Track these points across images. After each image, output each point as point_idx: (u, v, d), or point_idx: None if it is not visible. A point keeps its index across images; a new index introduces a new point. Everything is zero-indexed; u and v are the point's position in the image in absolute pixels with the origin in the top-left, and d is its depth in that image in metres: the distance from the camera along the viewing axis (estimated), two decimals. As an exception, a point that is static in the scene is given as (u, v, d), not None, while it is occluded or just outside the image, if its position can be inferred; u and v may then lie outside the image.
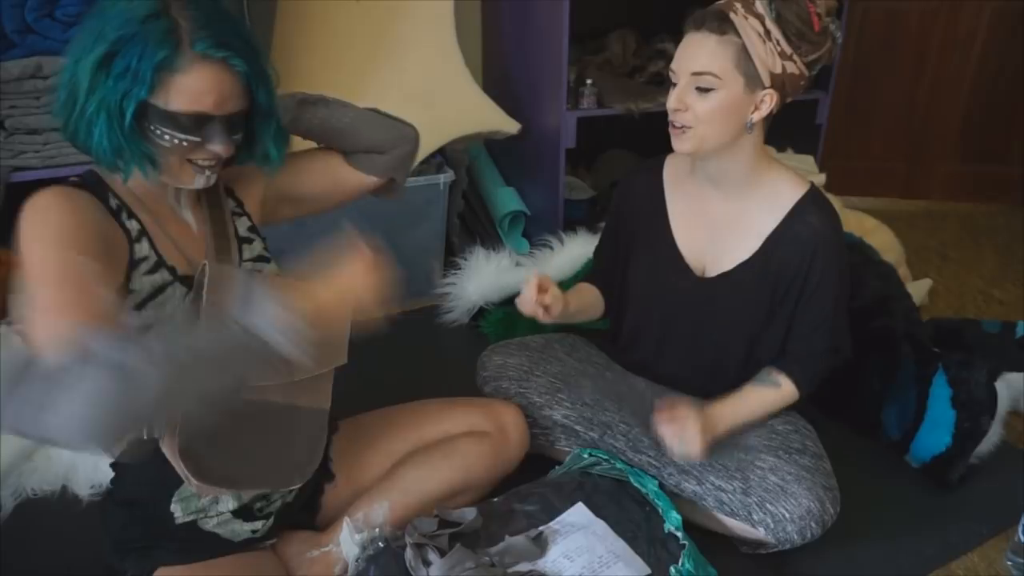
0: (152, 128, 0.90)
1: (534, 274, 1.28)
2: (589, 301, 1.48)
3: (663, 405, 1.26)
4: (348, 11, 2.22)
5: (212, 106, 0.91)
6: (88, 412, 0.69)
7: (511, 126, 2.36)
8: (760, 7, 1.13)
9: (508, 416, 1.35)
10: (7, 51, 1.70)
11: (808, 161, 2.53)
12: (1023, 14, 2.83)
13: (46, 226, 0.86)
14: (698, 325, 1.36)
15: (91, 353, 0.70)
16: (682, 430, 1.21)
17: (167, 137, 0.91)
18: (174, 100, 0.89)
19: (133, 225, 0.97)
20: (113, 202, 0.97)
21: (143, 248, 0.97)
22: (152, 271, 0.97)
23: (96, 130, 0.89)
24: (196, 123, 0.91)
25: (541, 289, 1.27)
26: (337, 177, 1.21)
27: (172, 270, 0.99)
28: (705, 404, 1.29)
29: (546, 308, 1.27)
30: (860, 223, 2.27)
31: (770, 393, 1.31)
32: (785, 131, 1.97)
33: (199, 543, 1.07)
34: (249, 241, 1.12)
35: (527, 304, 1.27)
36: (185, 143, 0.92)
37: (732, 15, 1.13)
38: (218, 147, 0.94)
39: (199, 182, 0.97)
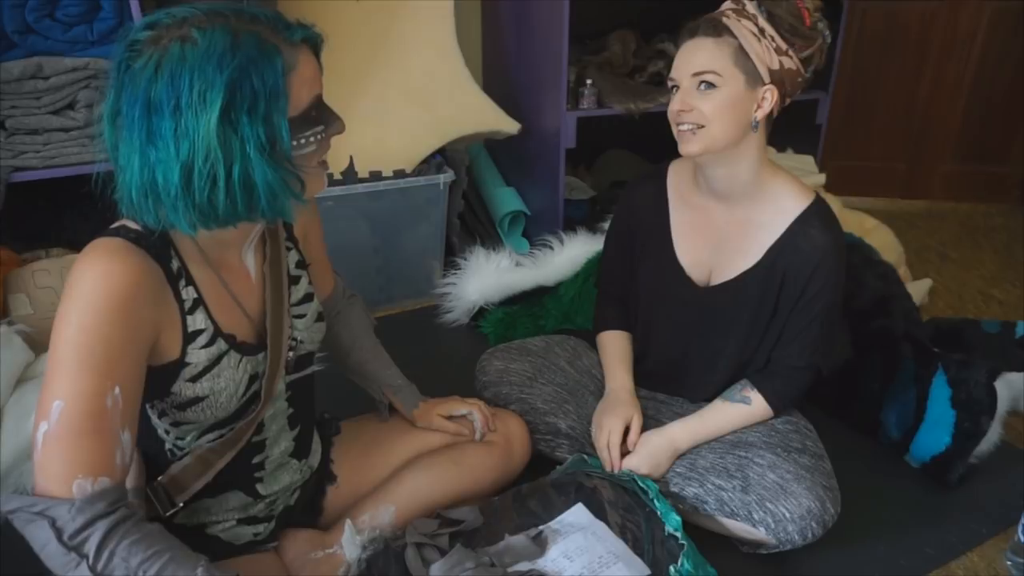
0: (295, 144, 0.85)
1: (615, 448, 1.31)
2: (628, 349, 1.47)
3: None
4: (348, 11, 2.22)
5: (320, 85, 0.88)
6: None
7: (511, 126, 2.36)
8: (751, 8, 1.17)
9: (514, 427, 1.35)
10: (7, 51, 1.70)
11: (808, 161, 2.53)
12: (1023, 14, 2.83)
13: (92, 298, 0.79)
14: (702, 335, 1.36)
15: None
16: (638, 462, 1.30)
17: (311, 139, 0.87)
18: (301, 96, 0.84)
19: (189, 294, 0.91)
20: (175, 264, 0.89)
21: (197, 320, 0.91)
22: (209, 343, 0.92)
23: (258, 179, 0.80)
24: (317, 111, 0.87)
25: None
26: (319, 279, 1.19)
27: (229, 338, 0.95)
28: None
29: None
30: (860, 223, 2.27)
31: (736, 410, 1.33)
32: (785, 131, 1.97)
33: (201, 547, 1.06)
34: (296, 280, 1.08)
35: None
36: (321, 137, 0.88)
37: (725, 20, 1.17)
38: (339, 125, 0.91)
39: (326, 180, 0.94)
